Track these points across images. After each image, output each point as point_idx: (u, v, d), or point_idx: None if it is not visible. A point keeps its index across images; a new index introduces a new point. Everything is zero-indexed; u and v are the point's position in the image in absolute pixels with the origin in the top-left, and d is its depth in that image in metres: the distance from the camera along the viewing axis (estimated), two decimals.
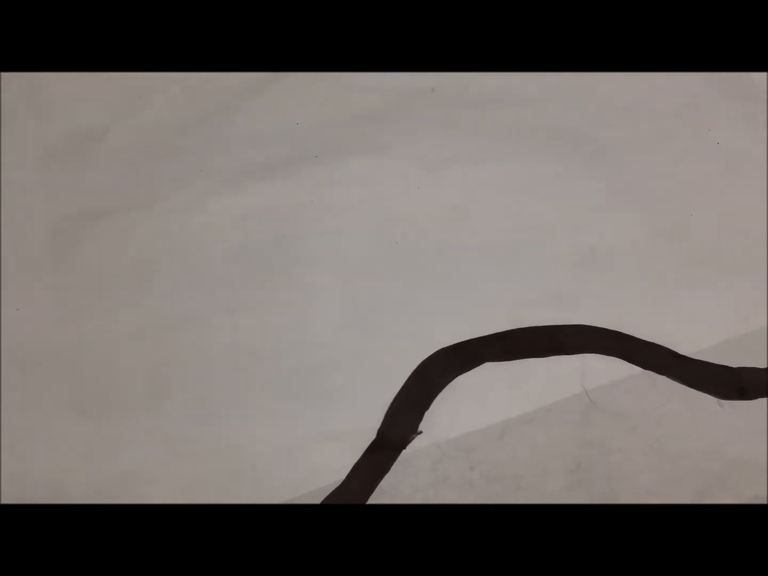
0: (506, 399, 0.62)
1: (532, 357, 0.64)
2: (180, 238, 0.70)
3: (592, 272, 0.68)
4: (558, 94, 0.75)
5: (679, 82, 0.75)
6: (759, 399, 0.63)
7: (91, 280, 0.68)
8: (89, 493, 0.60)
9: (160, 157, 0.74)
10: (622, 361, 0.64)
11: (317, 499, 0.59)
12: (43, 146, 0.74)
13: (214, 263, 0.69)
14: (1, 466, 0.61)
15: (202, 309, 0.67)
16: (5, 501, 0.59)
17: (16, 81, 0.77)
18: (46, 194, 0.72)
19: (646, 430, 0.62)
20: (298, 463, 0.60)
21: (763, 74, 0.74)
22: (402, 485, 0.60)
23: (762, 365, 0.64)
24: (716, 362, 0.64)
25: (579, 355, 0.64)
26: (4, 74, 0.76)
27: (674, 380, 0.64)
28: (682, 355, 0.64)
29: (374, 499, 0.59)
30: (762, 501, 0.59)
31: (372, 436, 0.61)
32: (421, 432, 0.61)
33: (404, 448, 0.60)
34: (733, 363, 0.64)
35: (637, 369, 0.64)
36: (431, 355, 0.63)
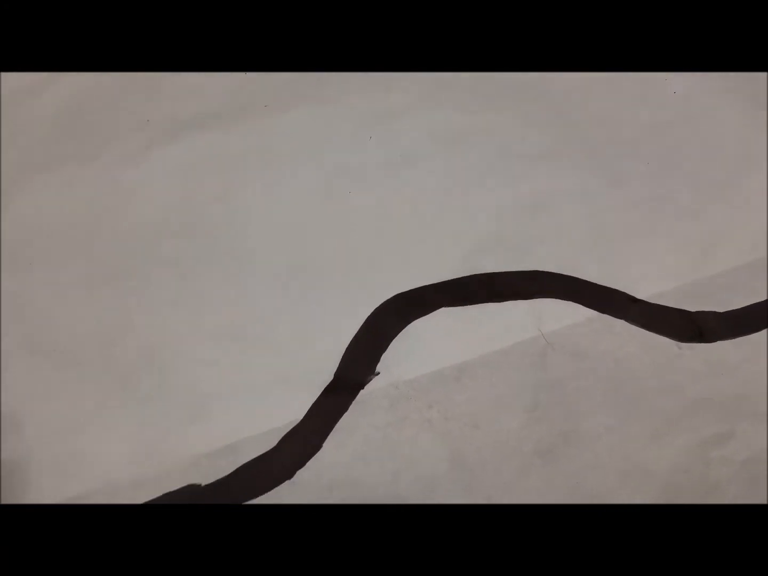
0: (463, 342, 0.63)
1: (488, 302, 0.65)
2: (123, 188, 0.71)
3: (542, 219, 0.69)
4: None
5: None
6: (718, 342, 0.64)
7: (33, 232, 0.69)
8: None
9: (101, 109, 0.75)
10: (578, 305, 0.65)
11: (275, 438, 0.59)
12: None
13: (156, 213, 0.69)
14: None
15: (145, 261, 0.68)
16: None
17: None
18: None
19: (604, 372, 0.63)
20: (255, 404, 0.61)
21: None
22: (361, 424, 0.60)
23: (719, 309, 0.65)
24: (673, 306, 0.65)
25: (535, 299, 0.65)
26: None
27: (632, 324, 0.64)
28: (639, 299, 0.65)
29: (332, 437, 0.60)
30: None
31: (330, 378, 0.62)
32: (378, 373, 0.62)
33: (362, 388, 0.61)
34: (690, 307, 0.65)
35: (594, 313, 0.65)
36: (386, 300, 0.64)
